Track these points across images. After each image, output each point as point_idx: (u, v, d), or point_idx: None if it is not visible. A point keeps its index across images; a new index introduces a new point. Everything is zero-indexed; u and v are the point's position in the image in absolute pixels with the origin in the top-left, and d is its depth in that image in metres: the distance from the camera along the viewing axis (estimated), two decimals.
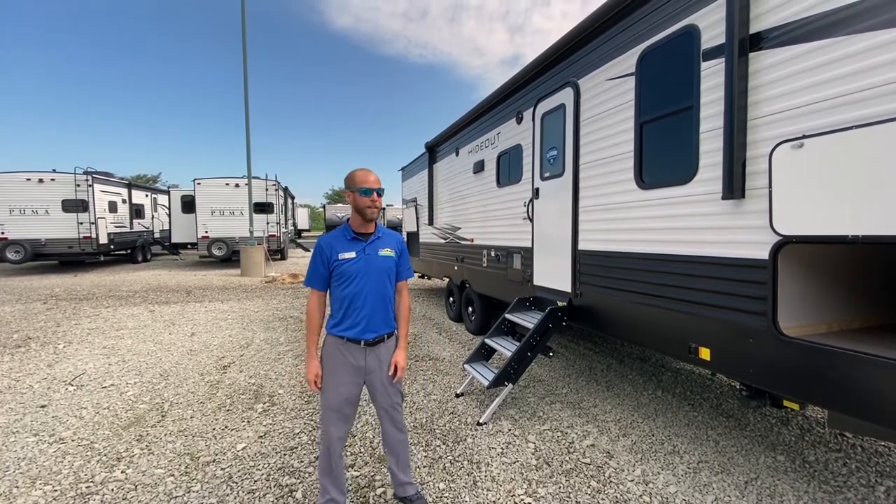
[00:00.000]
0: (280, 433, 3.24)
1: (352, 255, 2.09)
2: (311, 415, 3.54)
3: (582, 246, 3.72)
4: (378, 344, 2.16)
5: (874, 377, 1.82)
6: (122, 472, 2.74)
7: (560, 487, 2.57)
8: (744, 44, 2.29)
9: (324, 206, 47.43)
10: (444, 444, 3.09)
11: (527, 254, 4.61)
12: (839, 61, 1.90)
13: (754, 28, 2.26)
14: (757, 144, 2.25)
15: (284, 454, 2.94)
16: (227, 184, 15.54)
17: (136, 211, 17.28)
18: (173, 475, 2.70)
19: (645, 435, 3.21)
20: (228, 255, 15.65)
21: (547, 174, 4.23)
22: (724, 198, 2.41)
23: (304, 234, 40.72)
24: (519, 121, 4.82)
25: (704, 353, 2.58)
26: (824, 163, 1.93)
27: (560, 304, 3.85)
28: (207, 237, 15.49)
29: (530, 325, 3.78)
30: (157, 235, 19.24)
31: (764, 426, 3.32)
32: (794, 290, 2.26)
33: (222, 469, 2.77)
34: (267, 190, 15.66)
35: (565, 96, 3.93)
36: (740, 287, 2.35)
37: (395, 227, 36.96)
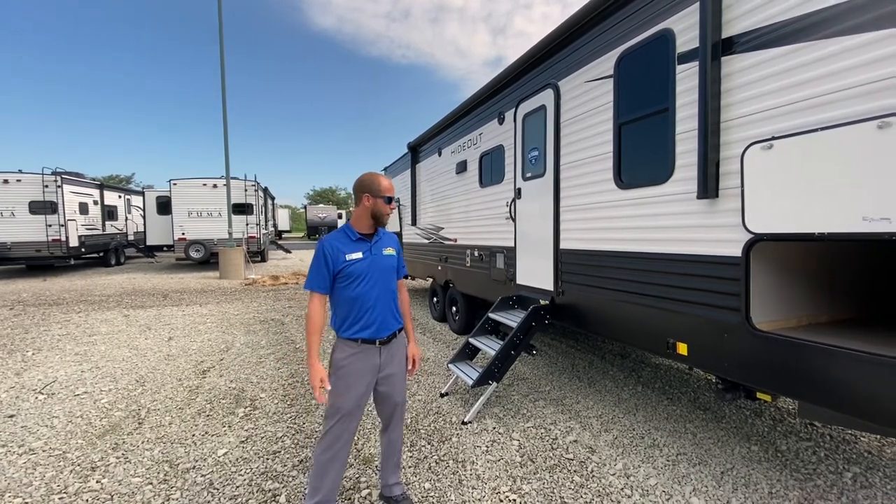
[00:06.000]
0: (262, 437, 3.19)
1: (359, 255, 2.10)
2: (294, 418, 3.50)
3: (563, 245, 3.77)
4: (391, 341, 2.20)
5: (841, 368, 1.91)
6: (97, 481, 2.65)
7: (544, 483, 2.61)
8: (716, 48, 2.36)
9: (305, 207, 46.83)
10: (429, 443, 3.09)
11: (510, 253, 4.65)
12: (806, 66, 1.98)
13: (726, 33, 2.34)
14: (730, 146, 2.33)
15: (267, 458, 2.90)
16: (205, 184, 15.21)
17: (109, 213, 16.73)
18: (151, 483, 2.63)
19: (626, 429, 3.28)
20: (206, 258, 15.32)
21: (529, 174, 4.27)
22: (699, 197, 2.48)
23: (284, 236, 40.12)
24: (501, 121, 4.86)
25: (682, 349, 2.65)
26: (792, 163, 2.01)
27: (543, 302, 3.89)
28: (184, 239, 15.13)
29: (514, 324, 3.81)
30: (131, 238, 18.69)
31: (738, 418, 3.43)
32: (766, 286, 2.34)
33: (203, 476, 2.71)
34: (246, 190, 15.39)
35: (546, 98, 3.98)
36: (715, 284, 2.42)
37: None
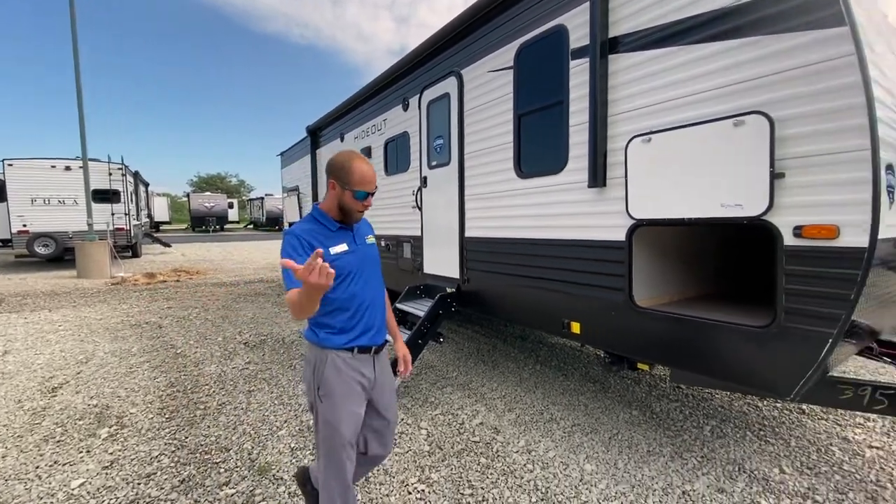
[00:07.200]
0: (133, 459, 2.73)
1: (344, 247, 1.72)
2: (174, 433, 3.07)
3: (468, 233, 3.82)
4: (383, 349, 1.86)
5: (703, 336, 2.19)
6: None
7: (452, 469, 2.62)
8: (604, 46, 2.53)
9: (188, 195, 41.84)
10: None
11: (416, 242, 4.61)
12: (677, 67, 2.20)
13: (613, 32, 2.51)
14: (616, 138, 2.52)
15: (139, 483, 2.49)
16: (54, 166, 12.68)
17: None
18: None
19: (527, 407, 3.45)
20: (59, 254, 12.86)
21: (434, 163, 4.25)
22: (589, 186, 2.66)
23: (163, 228, 35.49)
24: (405, 108, 4.76)
25: (575, 328, 2.85)
26: (665, 156, 2.23)
27: (449, 290, 3.92)
28: (27, 232, 12.49)
29: (421, 313, 3.78)
30: None
31: (622, 387, 3.83)
32: (646, 267, 2.60)
33: None
34: (111, 174, 13.17)
35: (450, 85, 3.97)
36: (603, 266, 2.63)
37: (276, 218, 34.23)
